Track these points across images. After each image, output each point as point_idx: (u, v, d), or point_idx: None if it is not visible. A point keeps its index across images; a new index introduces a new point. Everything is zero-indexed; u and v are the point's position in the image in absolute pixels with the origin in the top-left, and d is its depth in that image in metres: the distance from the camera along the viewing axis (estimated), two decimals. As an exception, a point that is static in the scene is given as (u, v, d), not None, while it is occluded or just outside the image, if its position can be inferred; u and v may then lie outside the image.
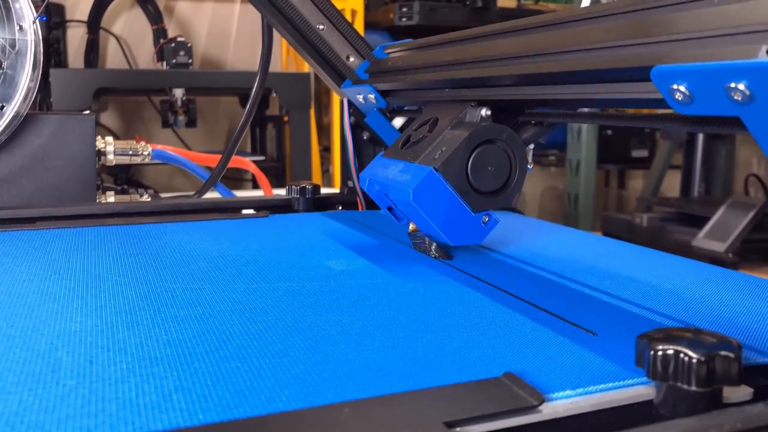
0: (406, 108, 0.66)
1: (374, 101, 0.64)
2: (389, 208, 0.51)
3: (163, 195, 1.20)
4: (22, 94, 0.67)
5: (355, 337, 0.32)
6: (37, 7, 0.69)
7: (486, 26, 0.49)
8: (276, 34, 0.75)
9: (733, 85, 0.25)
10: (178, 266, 0.45)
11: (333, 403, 0.25)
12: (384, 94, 0.63)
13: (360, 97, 0.66)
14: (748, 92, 0.25)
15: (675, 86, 0.28)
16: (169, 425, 0.23)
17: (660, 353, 0.25)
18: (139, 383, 0.26)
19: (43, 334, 0.31)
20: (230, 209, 0.71)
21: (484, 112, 0.47)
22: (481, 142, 0.45)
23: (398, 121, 0.68)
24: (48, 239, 0.53)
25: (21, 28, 0.66)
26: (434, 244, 0.48)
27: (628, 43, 0.33)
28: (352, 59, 0.69)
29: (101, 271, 0.43)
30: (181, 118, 1.64)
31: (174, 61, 1.60)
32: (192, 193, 0.89)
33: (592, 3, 2.03)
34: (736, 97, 0.25)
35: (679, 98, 0.28)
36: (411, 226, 0.51)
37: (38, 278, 0.41)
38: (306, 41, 0.68)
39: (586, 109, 0.49)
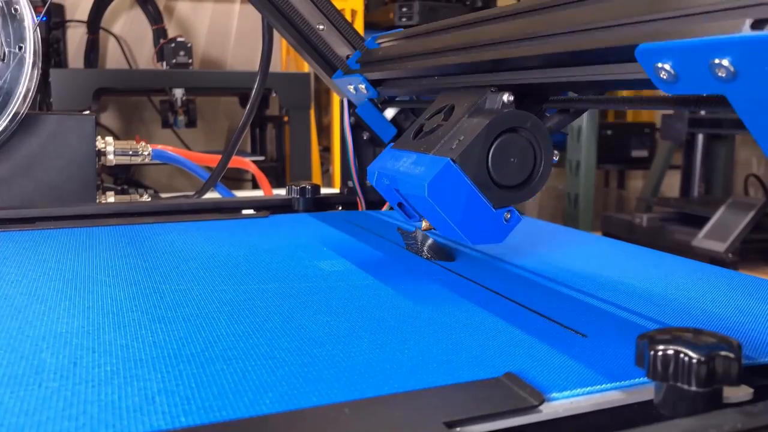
0: (397, 99, 0.65)
1: (365, 91, 0.63)
2: (400, 205, 0.47)
3: (163, 195, 1.20)
4: (22, 94, 0.67)
5: (342, 339, 0.32)
6: (38, 8, 0.69)
7: (478, 12, 0.47)
8: (276, 34, 0.74)
9: (717, 61, 0.24)
10: (169, 267, 0.45)
11: (319, 405, 0.25)
12: (375, 83, 0.62)
13: (351, 88, 0.64)
14: (732, 68, 0.24)
15: (660, 65, 0.27)
16: (150, 428, 0.23)
17: (660, 353, 0.24)
18: (123, 385, 0.26)
19: (27, 336, 0.31)
20: (230, 209, 0.71)
21: (506, 97, 0.43)
22: (503, 130, 0.41)
23: (390, 112, 0.67)
24: (46, 240, 0.53)
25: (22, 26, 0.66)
26: (426, 244, 0.48)
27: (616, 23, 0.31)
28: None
29: (92, 271, 0.43)
30: (181, 118, 1.64)
31: (174, 61, 1.60)
32: (192, 193, 0.89)
33: None
34: (720, 74, 0.25)
35: (664, 77, 0.27)
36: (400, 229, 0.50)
37: (27, 279, 0.41)
38: (306, 41, 0.68)
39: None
